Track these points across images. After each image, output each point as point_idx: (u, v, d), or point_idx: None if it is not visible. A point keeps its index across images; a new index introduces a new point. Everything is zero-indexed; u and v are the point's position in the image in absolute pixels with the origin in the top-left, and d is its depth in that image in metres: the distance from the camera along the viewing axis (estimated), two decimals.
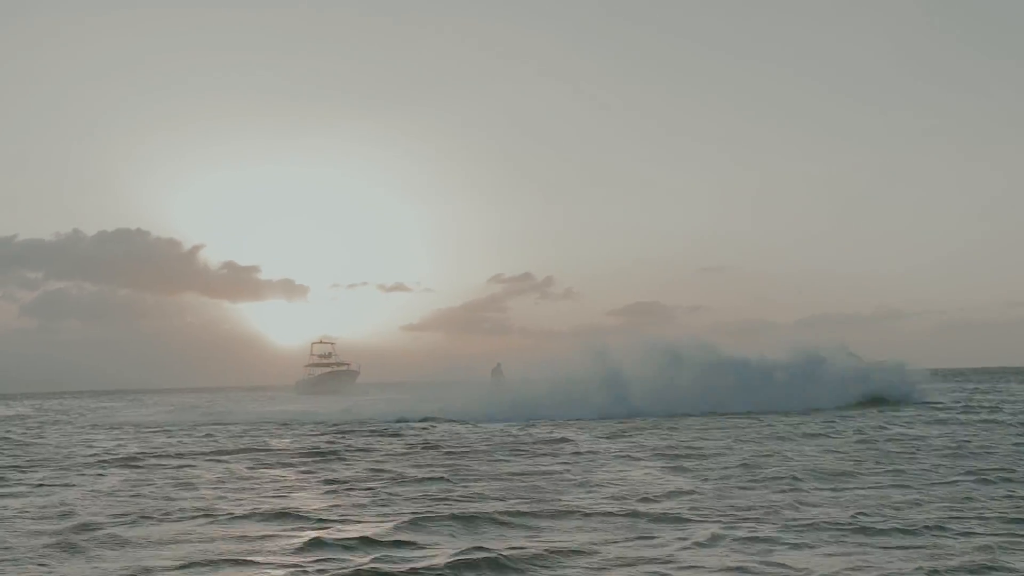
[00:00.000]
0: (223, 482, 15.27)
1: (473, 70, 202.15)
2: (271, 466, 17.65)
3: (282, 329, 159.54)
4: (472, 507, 11.73)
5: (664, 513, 10.96)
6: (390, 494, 13.20)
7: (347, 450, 20.56)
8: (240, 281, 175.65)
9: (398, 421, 31.55)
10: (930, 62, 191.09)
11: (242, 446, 22.38)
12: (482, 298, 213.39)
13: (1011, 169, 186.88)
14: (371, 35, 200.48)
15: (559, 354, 41.23)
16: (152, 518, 11.50)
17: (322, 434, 26.38)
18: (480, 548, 9.14)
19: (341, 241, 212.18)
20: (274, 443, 23.20)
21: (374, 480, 14.88)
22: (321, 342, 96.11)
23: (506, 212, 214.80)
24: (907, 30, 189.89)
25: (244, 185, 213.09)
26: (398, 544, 9.58)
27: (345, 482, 14.74)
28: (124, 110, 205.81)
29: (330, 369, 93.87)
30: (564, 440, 21.87)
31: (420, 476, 15.18)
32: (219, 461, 18.84)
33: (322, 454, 19.67)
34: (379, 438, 24.27)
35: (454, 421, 30.87)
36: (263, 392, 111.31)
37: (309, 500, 12.89)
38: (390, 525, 10.53)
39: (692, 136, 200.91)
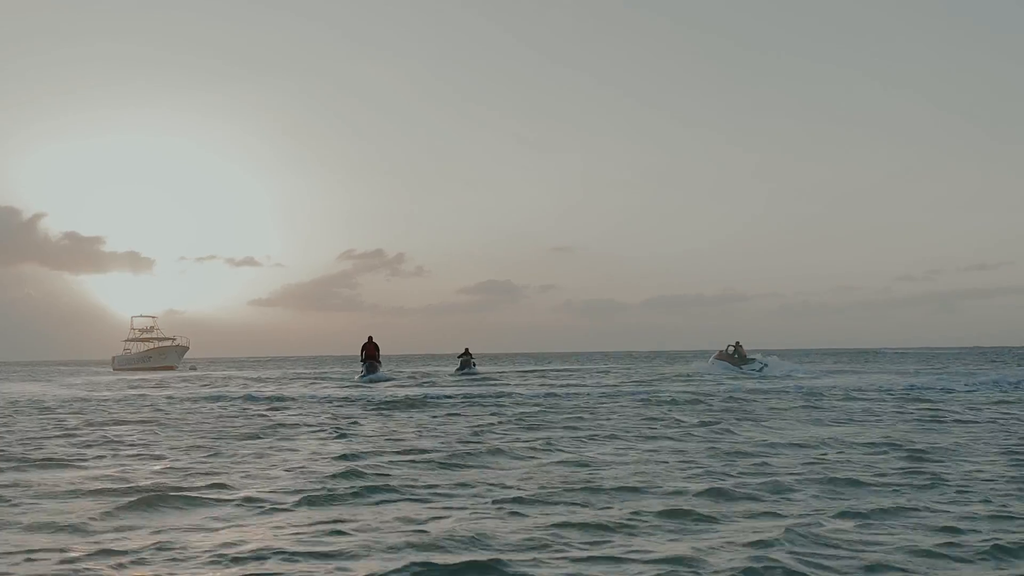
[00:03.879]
0: None
1: (326, 48, 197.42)
2: None
3: (127, 303, 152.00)
4: None
5: None
6: None
7: None
8: (83, 252, 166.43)
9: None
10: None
11: None
12: (333, 274, 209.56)
13: (843, 174, 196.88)
14: (225, 7, 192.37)
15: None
16: None
17: None
18: None
19: (190, 214, 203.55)
20: None
21: None
22: (141, 316, 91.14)
23: (357, 189, 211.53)
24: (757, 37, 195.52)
25: (90, 154, 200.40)
26: None
27: None
28: None
29: (152, 344, 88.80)
30: None
31: None
32: None
33: None
34: None
35: None
36: (86, 367, 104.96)
37: None
38: None
39: (534, 122, 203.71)
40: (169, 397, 28.09)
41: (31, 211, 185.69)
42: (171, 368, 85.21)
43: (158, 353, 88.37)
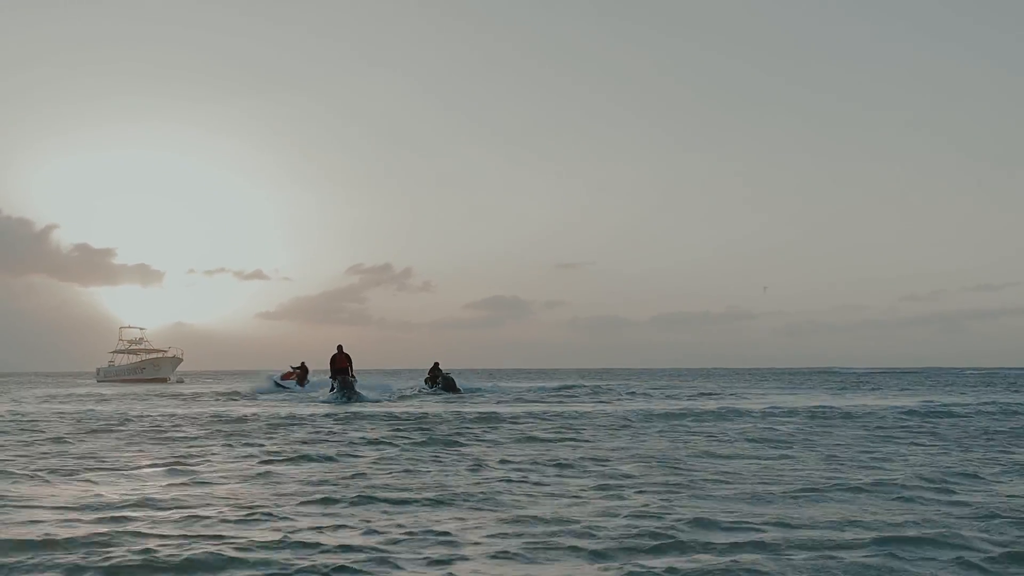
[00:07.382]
0: None
1: (336, 63, 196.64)
2: None
3: (136, 315, 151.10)
4: None
5: None
6: None
7: None
8: (93, 264, 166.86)
9: None
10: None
11: None
12: (340, 288, 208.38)
13: (848, 192, 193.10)
14: (235, 21, 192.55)
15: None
16: None
17: None
18: None
19: (200, 227, 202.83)
20: None
21: None
22: (130, 327, 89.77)
23: (366, 203, 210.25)
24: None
25: (102, 167, 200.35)
26: None
27: None
28: None
29: (141, 357, 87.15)
30: None
31: None
32: None
33: None
34: None
35: None
36: (84, 377, 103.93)
37: None
38: None
39: (537, 139, 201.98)
40: (60, 413, 26.12)
41: (43, 223, 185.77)
42: (164, 380, 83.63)
43: (152, 364, 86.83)
